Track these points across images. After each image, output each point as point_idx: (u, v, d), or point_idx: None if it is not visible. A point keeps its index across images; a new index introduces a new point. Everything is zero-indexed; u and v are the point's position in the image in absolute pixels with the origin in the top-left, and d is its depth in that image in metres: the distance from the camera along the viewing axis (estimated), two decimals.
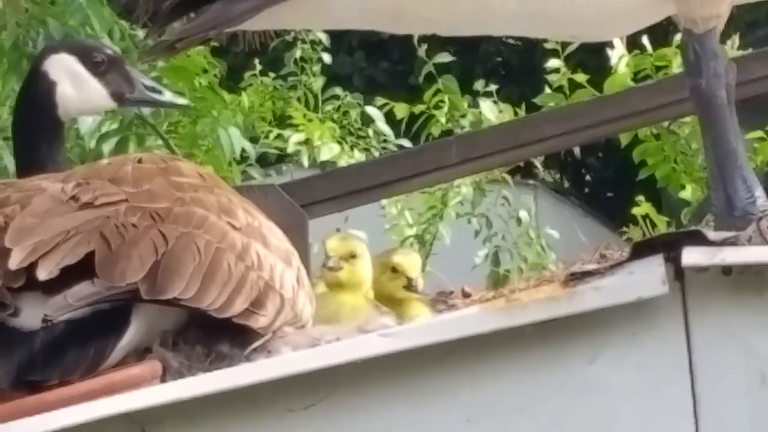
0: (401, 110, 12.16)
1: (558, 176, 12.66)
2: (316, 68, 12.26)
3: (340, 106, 12.26)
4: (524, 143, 7.16)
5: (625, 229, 10.16)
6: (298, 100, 12.12)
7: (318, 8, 3.78)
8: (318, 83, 12.12)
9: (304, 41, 12.20)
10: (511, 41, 15.29)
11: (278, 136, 11.50)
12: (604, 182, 17.50)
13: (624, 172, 13.72)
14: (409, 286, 4.54)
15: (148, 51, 4.74)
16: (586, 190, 16.69)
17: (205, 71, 10.99)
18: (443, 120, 11.92)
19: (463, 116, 11.96)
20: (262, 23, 3.88)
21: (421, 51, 11.94)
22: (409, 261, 4.63)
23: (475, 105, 12.19)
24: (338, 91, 12.32)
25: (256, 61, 12.45)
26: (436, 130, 11.87)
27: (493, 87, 12.29)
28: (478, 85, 12.36)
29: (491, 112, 11.97)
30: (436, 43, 11.99)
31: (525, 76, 17.15)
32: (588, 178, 14.79)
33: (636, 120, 7.54)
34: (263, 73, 12.43)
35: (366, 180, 6.72)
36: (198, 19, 3.89)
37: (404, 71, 14.44)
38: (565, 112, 7.40)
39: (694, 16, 3.69)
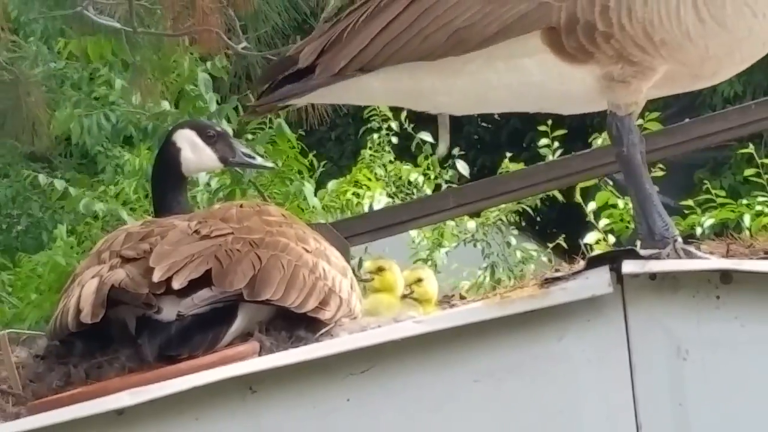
0: (405, 172, 12.26)
1: (515, 216, 12.66)
2: (388, 148, 12.24)
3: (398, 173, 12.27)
4: (499, 193, 7.19)
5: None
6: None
7: (357, 88, 3.77)
8: (387, 158, 12.09)
9: (381, 128, 12.22)
10: (484, 124, 15.16)
11: (354, 194, 11.51)
12: (549, 222, 17.40)
13: (560, 212, 13.62)
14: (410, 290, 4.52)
15: (245, 113, 4.77)
16: (537, 227, 16.59)
17: (292, 147, 11.17)
18: (432, 176, 12.05)
19: (445, 173, 12.12)
20: (319, 98, 3.87)
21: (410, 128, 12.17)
22: (404, 276, 4.60)
23: (453, 165, 12.33)
24: (399, 164, 12.32)
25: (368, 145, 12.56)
26: (429, 185, 11.97)
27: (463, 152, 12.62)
28: (455, 151, 12.52)
29: (464, 169, 12.14)
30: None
31: (492, 148, 17.02)
32: (538, 218, 14.75)
33: (576, 177, 7.57)
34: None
35: (388, 219, 6.75)
36: (280, 90, 3.89)
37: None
38: (528, 171, 7.40)
39: (618, 103, 3.67)
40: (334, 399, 3.43)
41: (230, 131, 6.11)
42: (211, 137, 4.73)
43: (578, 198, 10.82)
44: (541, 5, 3.59)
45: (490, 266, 11.70)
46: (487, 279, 11.37)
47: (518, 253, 11.86)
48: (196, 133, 4.72)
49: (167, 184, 4.69)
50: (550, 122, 11.49)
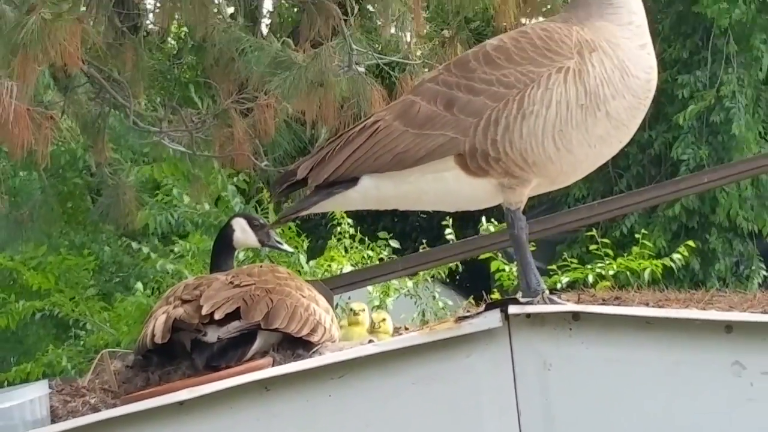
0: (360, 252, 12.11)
1: (442, 276, 12.65)
2: (347, 236, 12.03)
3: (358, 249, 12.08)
4: (433, 260, 7.18)
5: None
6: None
7: (342, 200, 3.78)
8: (348, 242, 11.89)
9: (342, 222, 12.03)
10: (423, 215, 15.10)
11: (328, 266, 11.35)
12: (463, 279, 17.33)
13: (474, 274, 13.61)
14: (372, 327, 4.47)
15: (272, 224, 4.76)
16: (456, 282, 16.52)
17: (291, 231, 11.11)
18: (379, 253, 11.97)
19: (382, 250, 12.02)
20: (320, 209, 3.86)
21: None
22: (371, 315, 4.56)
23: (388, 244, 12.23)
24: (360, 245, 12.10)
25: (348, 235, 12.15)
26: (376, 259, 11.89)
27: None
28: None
29: (396, 244, 12.04)
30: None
31: (428, 230, 16.95)
32: (457, 277, 14.67)
33: (481, 250, 7.58)
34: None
35: (355, 278, 6.71)
36: (291, 207, 3.91)
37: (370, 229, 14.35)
38: (448, 246, 7.42)
39: (510, 201, 3.67)
40: (321, 395, 3.39)
41: None
42: (256, 226, 4.69)
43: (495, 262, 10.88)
44: (452, 139, 3.59)
45: (421, 312, 11.54)
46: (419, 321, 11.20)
47: (440, 303, 11.70)
48: (246, 222, 4.68)
49: (222, 253, 4.65)
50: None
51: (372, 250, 11.94)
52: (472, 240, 7.90)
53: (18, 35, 6.79)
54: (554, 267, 10.93)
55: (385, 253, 12.15)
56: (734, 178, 9.52)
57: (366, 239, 12.12)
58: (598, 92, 3.53)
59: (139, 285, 11.81)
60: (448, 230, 11.53)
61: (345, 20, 8.37)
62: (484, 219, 11.22)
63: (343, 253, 11.73)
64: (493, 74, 3.59)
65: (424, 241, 13.06)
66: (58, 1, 7.23)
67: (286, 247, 5.03)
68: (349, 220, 12.09)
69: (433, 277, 12.36)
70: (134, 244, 12.15)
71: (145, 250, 11.89)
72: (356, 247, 11.84)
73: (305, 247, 11.72)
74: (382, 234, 12.29)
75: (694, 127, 16.15)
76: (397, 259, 8.38)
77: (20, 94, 6.87)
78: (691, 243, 12.05)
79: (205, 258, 11.18)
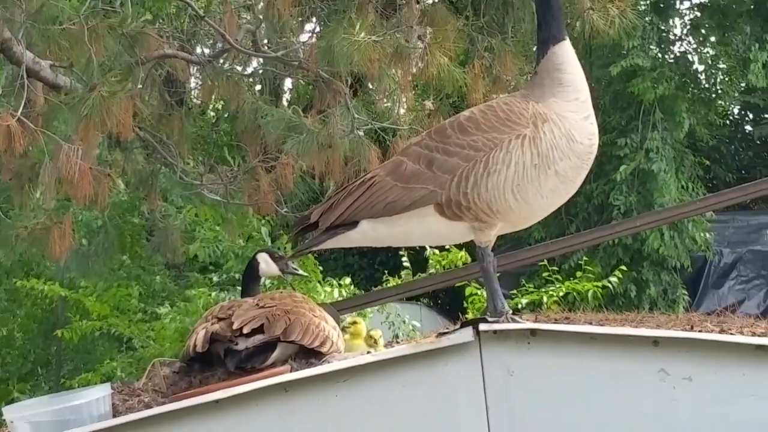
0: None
1: (427, 300, 12.53)
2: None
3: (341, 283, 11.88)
4: (421, 287, 7.19)
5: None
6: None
7: (346, 238, 3.77)
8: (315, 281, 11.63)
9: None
10: (411, 251, 15.01)
11: (329, 293, 11.11)
12: (443, 302, 17.27)
13: (454, 298, 13.56)
14: (371, 341, 4.46)
15: (289, 256, 4.73)
16: (439, 305, 16.45)
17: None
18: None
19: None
20: (328, 245, 3.83)
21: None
22: (369, 330, 4.56)
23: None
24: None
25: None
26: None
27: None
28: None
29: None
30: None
31: (414, 264, 16.84)
32: (439, 301, 14.62)
33: (463, 279, 7.58)
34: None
35: (358, 302, 6.72)
36: (304, 243, 3.93)
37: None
38: (436, 276, 7.44)
39: (480, 239, 3.66)
40: (329, 395, 3.39)
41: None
42: (277, 258, 4.70)
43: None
44: (432, 191, 3.61)
45: (395, 336, 11.25)
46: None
47: (410, 326, 11.44)
48: (269, 255, 4.69)
49: (250, 281, 4.65)
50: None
51: (342, 287, 11.75)
52: (452, 271, 7.98)
53: (81, 108, 6.93)
54: (515, 292, 11.01)
55: (354, 292, 11.88)
56: (660, 222, 9.68)
57: (331, 279, 11.91)
58: (548, 155, 3.56)
59: (163, 310, 11.89)
60: (405, 261, 11.51)
61: (347, 93, 8.47)
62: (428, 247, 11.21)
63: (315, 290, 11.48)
64: (464, 140, 3.62)
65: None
66: (119, 81, 7.31)
67: (302, 272, 5.03)
68: (315, 260, 11.93)
69: (420, 300, 12.30)
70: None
71: (186, 293, 11.91)
72: (325, 290, 11.64)
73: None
74: (344, 281, 12.05)
75: (627, 179, 16.29)
76: (392, 287, 8.41)
77: (84, 155, 6.99)
78: (624, 268, 12.16)
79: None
